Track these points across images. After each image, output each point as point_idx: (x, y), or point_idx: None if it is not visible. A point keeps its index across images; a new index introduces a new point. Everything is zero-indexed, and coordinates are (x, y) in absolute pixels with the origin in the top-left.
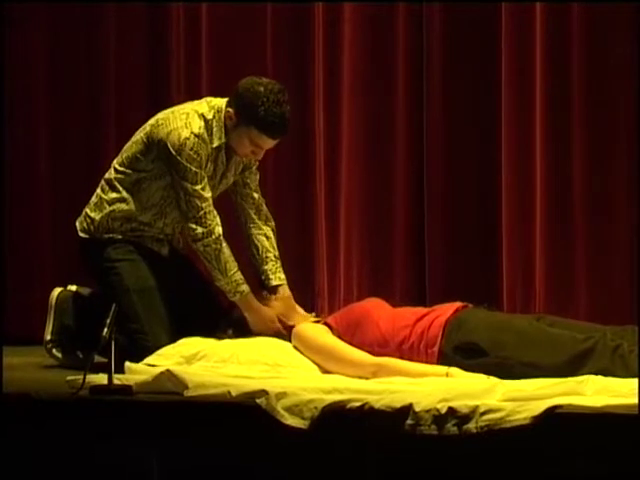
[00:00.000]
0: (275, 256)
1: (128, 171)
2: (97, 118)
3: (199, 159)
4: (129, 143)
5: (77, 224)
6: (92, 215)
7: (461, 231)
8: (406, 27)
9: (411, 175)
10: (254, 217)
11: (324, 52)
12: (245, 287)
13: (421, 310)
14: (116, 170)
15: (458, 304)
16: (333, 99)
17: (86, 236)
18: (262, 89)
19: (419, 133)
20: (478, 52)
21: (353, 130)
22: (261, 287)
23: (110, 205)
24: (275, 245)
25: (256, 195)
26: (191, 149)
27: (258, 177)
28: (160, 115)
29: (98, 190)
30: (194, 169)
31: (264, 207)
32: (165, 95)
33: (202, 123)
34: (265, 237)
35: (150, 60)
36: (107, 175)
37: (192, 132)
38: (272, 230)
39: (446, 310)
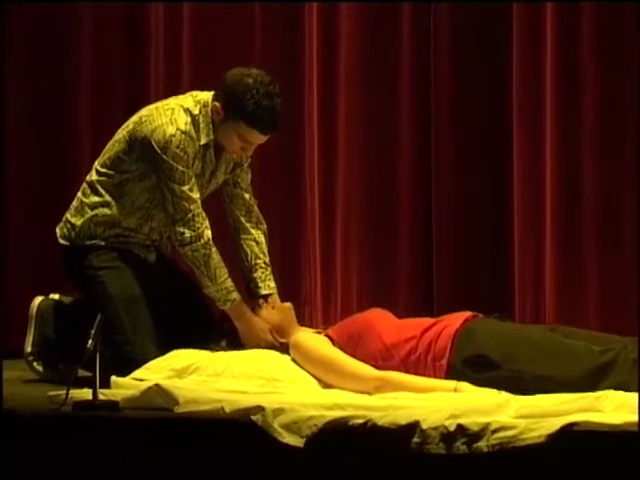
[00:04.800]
0: (265, 263)
1: (110, 172)
2: (71, 116)
3: (186, 157)
4: (111, 142)
5: (57, 230)
6: (73, 221)
7: (471, 236)
8: (411, 18)
9: (417, 174)
10: (244, 220)
11: (318, 43)
12: (236, 295)
13: (428, 321)
14: (98, 172)
15: (467, 314)
16: (329, 92)
17: (67, 243)
18: (251, 81)
19: (426, 133)
20: (488, 50)
21: (351, 126)
22: (249, 296)
23: (92, 209)
24: (266, 251)
25: (247, 196)
26: (177, 147)
27: (250, 176)
28: (143, 112)
29: (79, 194)
30: (181, 168)
31: (255, 209)
32: (144, 92)
33: (188, 119)
34: (255, 242)
35: (128, 54)
36: (88, 177)
37: (178, 128)
38: (263, 234)
39: (455, 320)
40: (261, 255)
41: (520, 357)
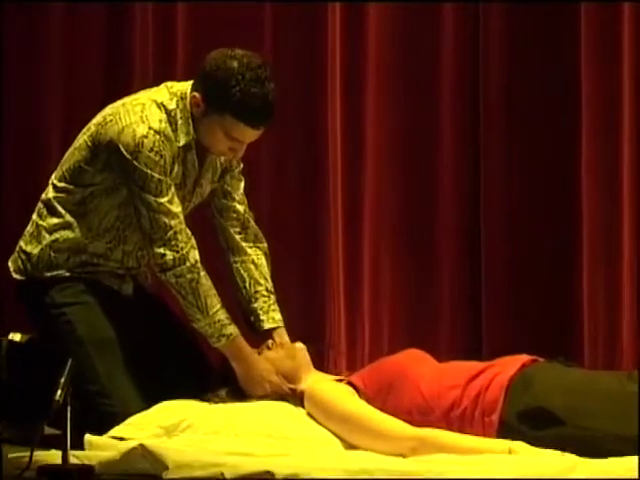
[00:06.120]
0: (267, 290)
1: (70, 187)
2: (39, 119)
3: (162, 162)
4: (70, 150)
5: (10, 264)
6: (28, 249)
7: (527, 260)
8: (455, 21)
9: (462, 190)
10: (238, 238)
11: (342, 33)
12: (232, 329)
13: (476, 365)
14: (55, 187)
15: (524, 358)
16: (354, 97)
17: (22, 277)
18: (235, 64)
19: (473, 140)
20: (550, 55)
21: (381, 132)
22: (251, 330)
23: (51, 234)
24: (268, 275)
25: (240, 208)
26: (151, 150)
27: (243, 184)
28: (107, 110)
29: (34, 216)
30: (157, 176)
31: (252, 224)
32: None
33: (163, 115)
34: (253, 265)
35: (109, 52)
36: (44, 195)
37: (151, 127)
38: (264, 254)
39: (508, 366)
40: (262, 281)
41: (589, 411)
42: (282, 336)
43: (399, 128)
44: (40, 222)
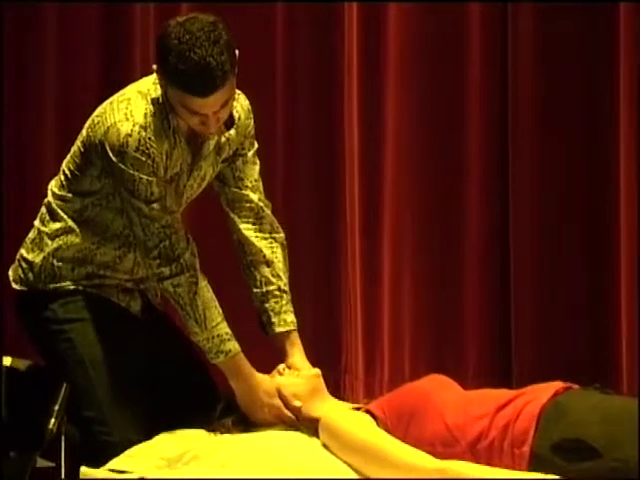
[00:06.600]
0: (280, 289)
1: (68, 196)
2: (38, 120)
3: (150, 162)
4: (67, 158)
5: (10, 273)
6: (30, 257)
7: (562, 276)
8: (481, 22)
9: (489, 196)
10: (251, 231)
11: (359, 36)
12: (232, 345)
13: (505, 394)
14: (55, 195)
15: (557, 384)
16: (372, 94)
17: (23, 288)
18: (179, 30)
19: (500, 142)
20: (584, 55)
21: (402, 136)
22: (264, 333)
23: (53, 239)
24: (282, 272)
25: (254, 197)
26: (137, 149)
27: (258, 168)
28: (96, 111)
29: (36, 222)
30: (145, 177)
31: (267, 213)
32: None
33: (149, 106)
34: (266, 261)
35: (109, 54)
36: (46, 200)
37: (135, 123)
38: (281, 246)
39: (540, 393)
40: (274, 279)
41: (629, 442)
42: (294, 341)
43: (421, 133)
44: (42, 228)
